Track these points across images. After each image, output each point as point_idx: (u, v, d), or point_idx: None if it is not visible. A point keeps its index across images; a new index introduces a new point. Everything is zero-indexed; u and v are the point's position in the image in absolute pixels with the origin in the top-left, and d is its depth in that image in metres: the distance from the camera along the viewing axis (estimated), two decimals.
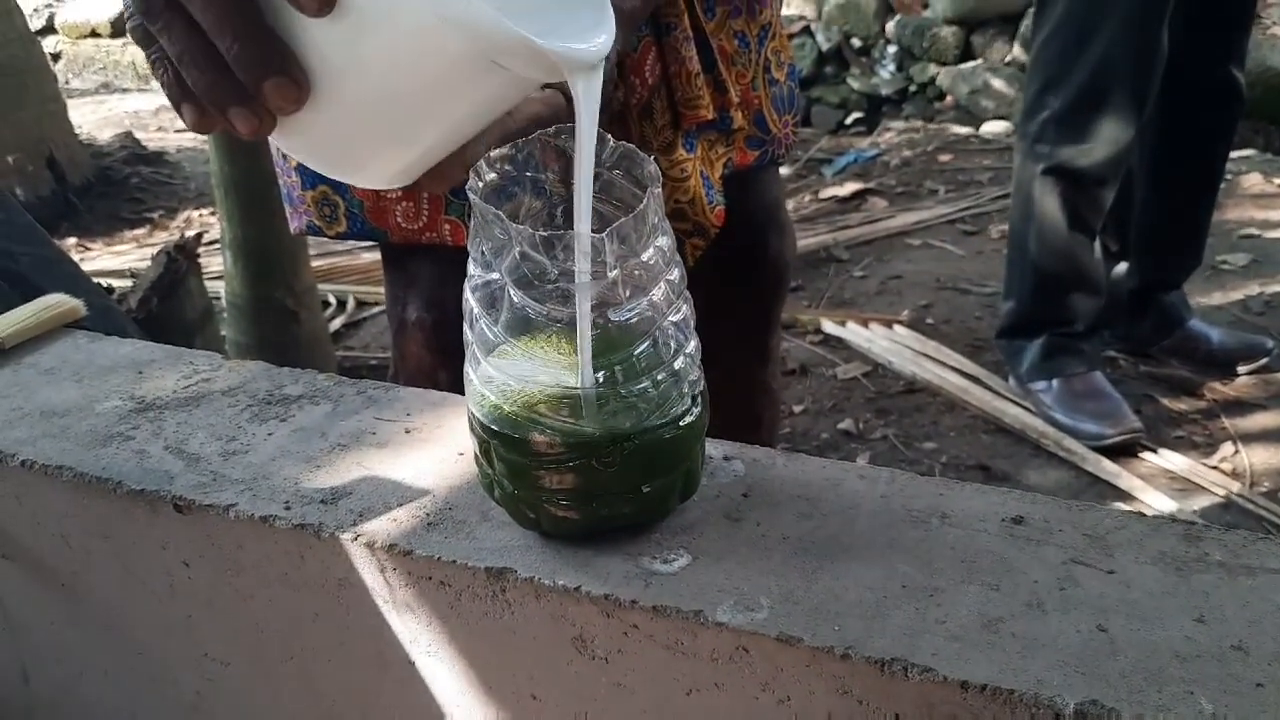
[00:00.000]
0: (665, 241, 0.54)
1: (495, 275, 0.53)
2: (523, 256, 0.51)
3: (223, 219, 2.27)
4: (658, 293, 0.54)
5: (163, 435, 0.70)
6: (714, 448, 0.65)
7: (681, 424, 0.56)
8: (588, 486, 0.56)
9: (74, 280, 1.16)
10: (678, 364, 0.56)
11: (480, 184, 0.55)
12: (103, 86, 5.82)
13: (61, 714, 0.77)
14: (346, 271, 2.91)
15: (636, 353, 0.54)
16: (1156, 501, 1.81)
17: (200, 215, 3.55)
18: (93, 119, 4.87)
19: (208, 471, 0.66)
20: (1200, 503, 1.81)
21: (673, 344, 0.55)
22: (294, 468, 0.66)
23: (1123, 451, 1.96)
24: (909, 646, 0.50)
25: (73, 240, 3.41)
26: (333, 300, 2.74)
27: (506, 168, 0.57)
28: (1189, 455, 1.95)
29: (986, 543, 0.57)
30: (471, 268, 0.55)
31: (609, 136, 0.57)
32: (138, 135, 4.36)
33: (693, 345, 0.57)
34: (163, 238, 3.41)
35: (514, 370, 0.55)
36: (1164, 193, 2.15)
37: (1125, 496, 1.84)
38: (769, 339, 1.23)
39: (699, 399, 0.58)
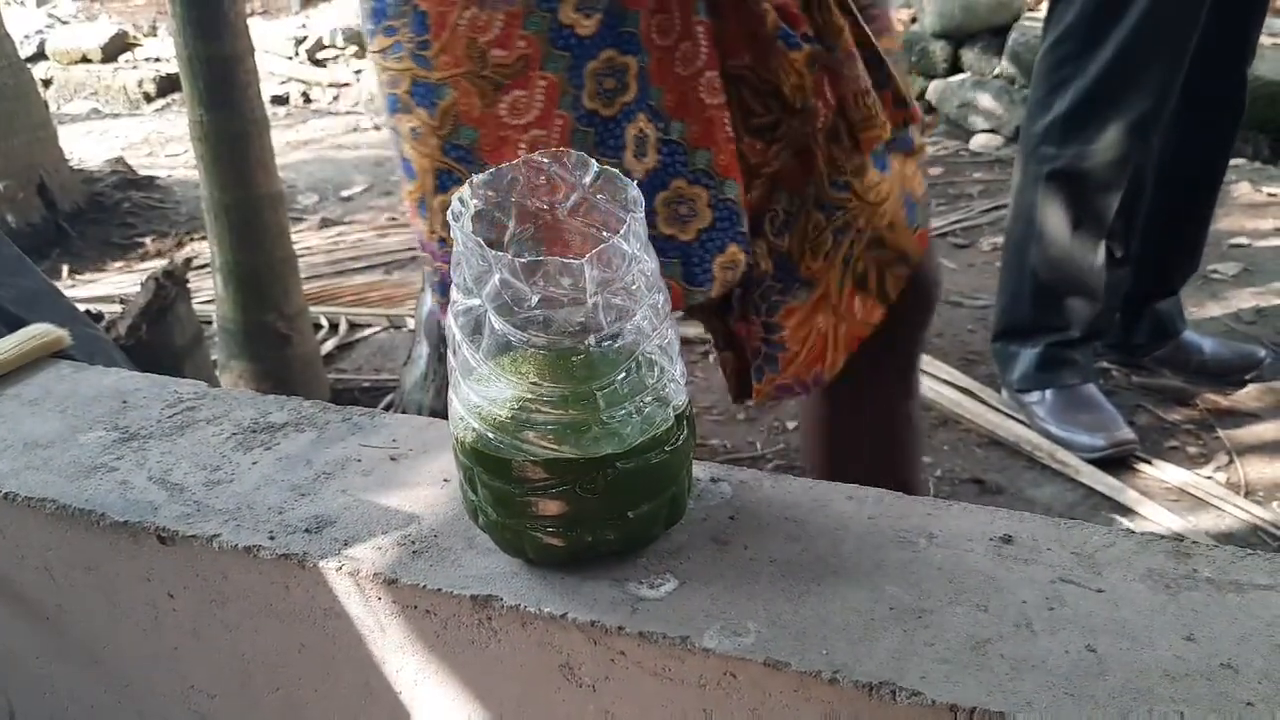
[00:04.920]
0: (649, 266, 0.54)
1: (476, 301, 0.53)
2: (503, 283, 0.51)
3: (213, 244, 2.27)
4: (641, 318, 0.54)
5: (146, 466, 0.70)
6: (701, 469, 0.65)
7: (667, 448, 0.56)
8: (572, 513, 0.55)
9: (60, 312, 1.15)
10: (663, 388, 0.56)
11: (463, 210, 0.55)
12: (94, 112, 5.82)
13: None
14: (338, 294, 2.90)
15: (619, 378, 0.53)
16: (1158, 516, 1.80)
17: (193, 240, 3.55)
18: (84, 144, 4.87)
19: (191, 502, 0.66)
20: (1203, 517, 1.81)
21: (657, 369, 0.55)
22: (278, 496, 0.66)
23: (1117, 464, 1.95)
24: (897, 669, 0.49)
25: (65, 267, 3.41)
26: (324, 323, 2.73)
27: (490, 193, 0.57)
28: (1183, 466, 1.94)
29: (974, 563, 0.56)
30: (454, 293, 0.55)
31: (592, 160, 0.57)
32: (129, 160, 4.36)
33: (678, 369, 0.57)
34: (154, 264, 3.40)
35: (495, 395, 0.54)
36: (1171, 193, 2.14)
37: (1127, 511, 1.84)
38: (915, 368, 1.17)
39: (685, 423, 0.58)
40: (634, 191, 0.55)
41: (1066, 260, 2.03)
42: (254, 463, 0.70)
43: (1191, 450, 2.01)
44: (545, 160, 0.58)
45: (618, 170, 0.56)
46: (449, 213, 0.54)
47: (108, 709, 0.72)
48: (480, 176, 0.57)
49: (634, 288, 0.53)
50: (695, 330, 1.99)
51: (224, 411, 0.76)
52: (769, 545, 0.59)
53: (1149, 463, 1.97)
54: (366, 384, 2.46)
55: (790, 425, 2.15)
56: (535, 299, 0.51)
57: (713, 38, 0.86)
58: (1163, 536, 0.58)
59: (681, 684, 0.53)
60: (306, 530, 0.62)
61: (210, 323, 2.40)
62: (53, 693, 0.73)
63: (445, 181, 0.86)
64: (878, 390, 1.12)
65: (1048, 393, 2.08)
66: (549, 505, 0.55)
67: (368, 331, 2.74)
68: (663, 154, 0.87)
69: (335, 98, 5.80)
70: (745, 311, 0.95)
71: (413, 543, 0.61)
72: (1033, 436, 2.06)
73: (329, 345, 2.63)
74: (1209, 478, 1.93)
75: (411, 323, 2.65)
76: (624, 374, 0.54)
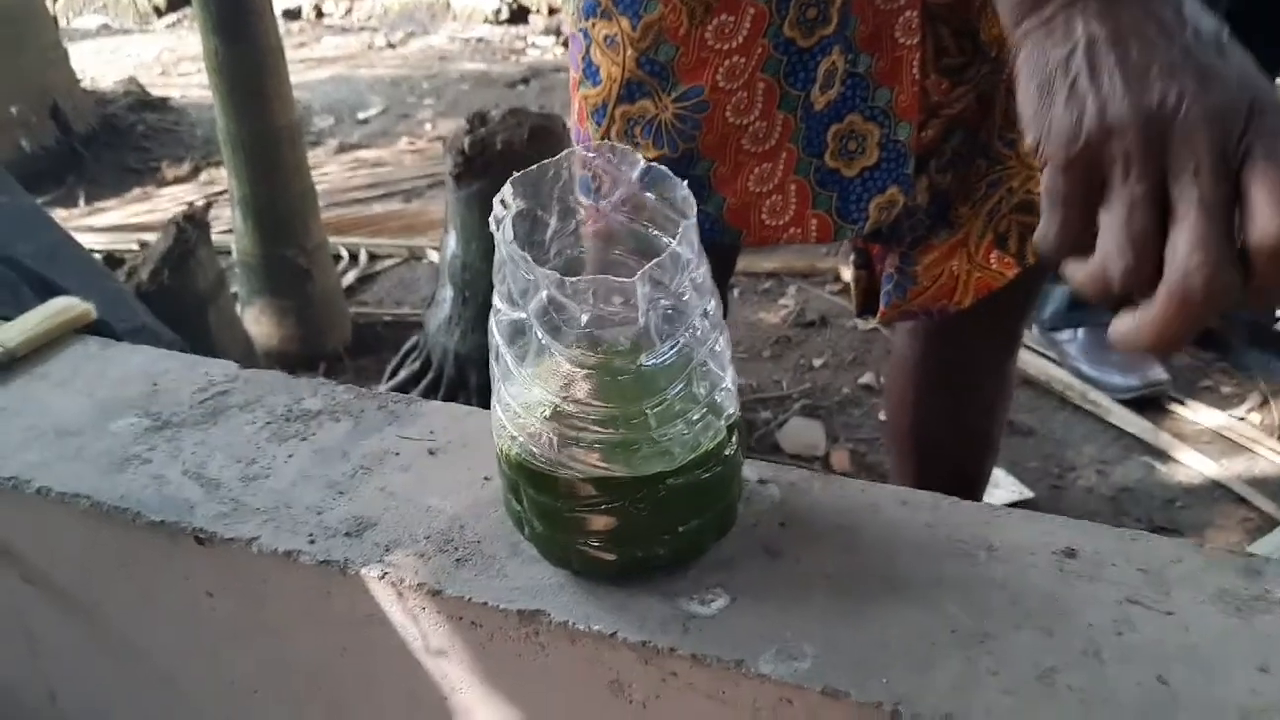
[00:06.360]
0: (700, 274, 0.51)
1: (521, 315, 0.51)
2: (550, 300, 0.49)
3: (231, 176, 2.24)
4: (694, 328, 0.51)
5: (180, 458, 0.68)
6: (749, 469, 0.62)
7: (719, 461, 0.54)
8: (621, 528, 0.53)
9: (81, 266, 1.13)
10: (715, 398, 0.53)
11: (505, 213, 0.52)
12: (103, 27, 5.71)
13: None
14: (357, 224, 2.87)
15: (671, 395, 0.51)
16: (1192, 460, 1.78)
17: (210, 167, 3.50)
18: (95, 64, 4.79)
19: (228, 499, 0.64)
20: (1237, 461, 1.79)
21: (710, 380, 0.53)
22: (316, 494, 0.64)
23: (1149, 404, 1.93)
24: (961, 702, 0.48)
25: (81, 194, 3.38)
26: (344, 254, 2.71)
27: (532, 189, 0.54)
28: (1216, 408, 1.92)
29: (1037, 579, 0.54)
30: (497, 301, 0.53)
31: (639, 155, 0.54)
32: (141, 81, 4.29)
33: (729, 377, 0.54)
34: (172, 190, 3.37)
35: (540, 411, 0.52)
36: None
37: (1159, 454, 1.82)
38: (1021, 324, 1.17)
39: (734, 430, 0.55)
40: (684, 191, 0.52)
41: None
42: (290, 455, 0.68)
43: (1225, 390, 1.98)
44: (591, 154, 0.54)
45: (667, 169, 0.53)
46: (490, 219, 0.52)
47: (148, 700, 0.72)
48: (521, 174, 0.54)
49: (686, 297, 0.51)
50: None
51: (256, 397, 0.74)
52: (822, 557, 0.57)
53: (1181, 403, 1.94)
54: (388, 318, 2.44)
55: (817, 363, 2.13)
56: (585, 318, 0.48)
57: None
58: (1231, 552, 0.56)
59: (735, 707, 0.52)
60: (347, 533, 0.61)
61: (229, 254, 2.38)
62: (94, 682, 0.73)
63: (634, 93, 0.85)
64: (985, 338, 1.12)
65: (1080, 331, 2.05)
66: (597, 521, 0.53)
67: (388, 263, 2.71)
68: (846, 86, 0.86)
69: (348, 10, 5.68)
70: (888, 239, 0.96)
71: (456, 549, 0.59)
72: (1064, 376, 2.03)
73: (349, 278, 2.61)
74: (1242, 419, 1.90)
75: (433, 255, 2.62)
76: (676, 390, 0.51)
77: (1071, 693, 0.48)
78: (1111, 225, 0.46)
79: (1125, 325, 0.47)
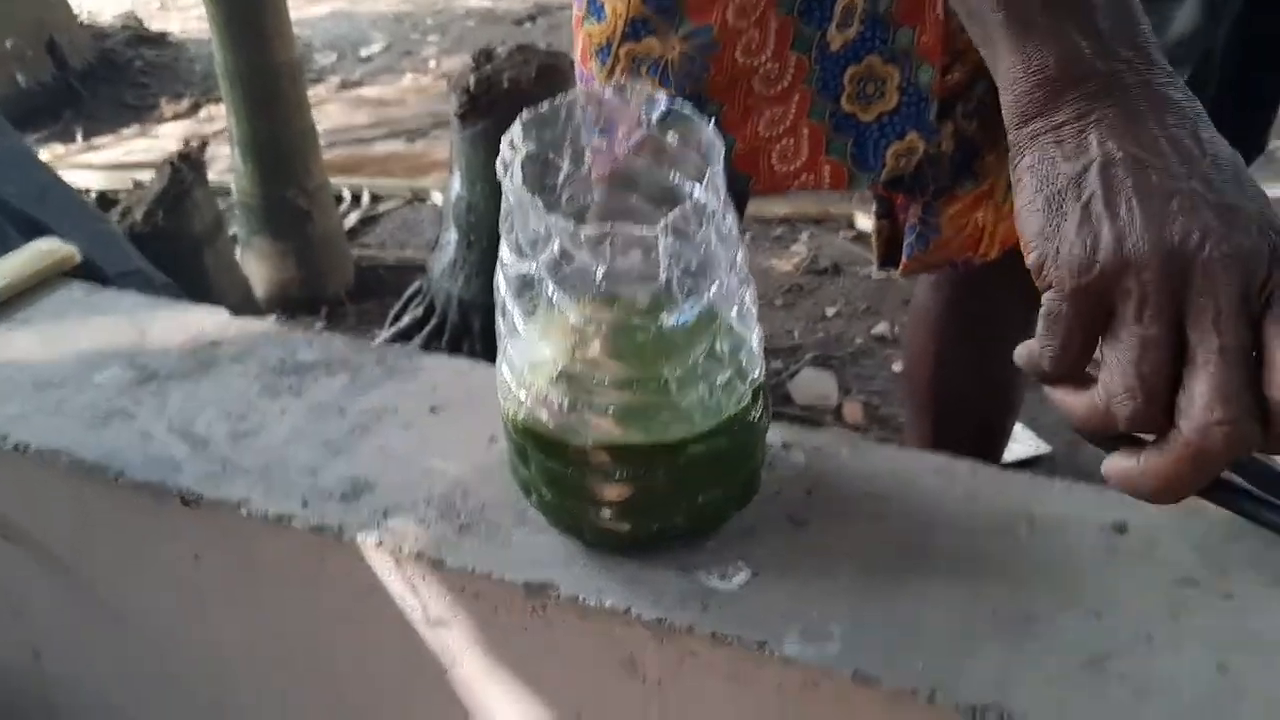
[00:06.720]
0: (726, 224, 0.47)
1: (529, 267, 0.46)
2: (562, 252, 0.44)
3: (230, 114, 2.17)
4: (719, 285, 0.47)
5: (167, 413, 0.64)
6: (772, 433, 0.58)
7: (742, 428, 0.50)
8: (637, 498, 0.50)
9: (70, 207, 1.09)
10: (740, 360, 0.49)
11: (513, 156, 0.47)
12: None
13: (78, 692, 0.73)
14: (359, 164, 2.81)
15: (693, 356, 0.47)
16: None
17: (209, 104, 3.43)
18: None
19: (217, 458, 0.60)
20: None
21: (734, 340, 0.49)
22: (310, 453, 0.61)
23: None
24: (1003, 689, 0.44)
25: (78, 130, 3.31)
26: (346, 194, 2.65)
27: (543, 130, 0.50)
28: None
29: (1084, 557, 0.51)
30: (504, 252, 0.48)
31: (660, 94, 0.49)
32: (140, 15, 4.19)
33: (755, 336, 0.50)
34: (170, 127, 3.30)
35: (549, 370, 0.48)
36: (1236, 75, 2.02)
37: None
38: None
39: (759, 394, 0.51)
40: (709, 133, 0.48)
41: None
42: (282, 411, 0.64)
43: None
44: (606, 92, 0.50)
45: (691, 110, 0.48)
46: (498, 162, 0.47)
47: (136, 662, 0.69)
48: (530, 113, 0.49)
49: (711, 249, 0.46)
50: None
51: (248, 348, 0.70)
52: (851, 528, 0.53)
53: None
54: (391, 262, 2.39)
55: (830, 312, 2.08)
56: (600, 272, 0.44)
57: None
58: None
59: (757, 690, 0.48)
60: (342, 497, 0.57)
61: (229, 194, 2.32)
62: (79, 642, 0.70)
63: (639, 30, 0.81)
64: (1011, 290, 1.07)
65: None
66: (610, 490, 0.49)
67: (391, 204, 2.65)
68: (865, 25, 0.81)
69: None
70: (911, 188, 0.91)
71: (458, 515, 0.55)
72: None
73: (351, 220, 2.56)
74: None
75: (437, 197, 2.57)
76: (699, 351, 0.47)
77: (1124, 682, 0.45)
78: (1120, 363, 0.43)
79: (1125, 466, 0.44)
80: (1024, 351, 0.47)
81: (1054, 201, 0.45)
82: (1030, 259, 0.46)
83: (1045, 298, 0.45)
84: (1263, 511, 0.49)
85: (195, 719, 0.70)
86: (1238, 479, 0.48)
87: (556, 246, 0.44)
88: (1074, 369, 0.45)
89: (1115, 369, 0.43)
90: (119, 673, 0.70)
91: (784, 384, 1.90)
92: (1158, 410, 0.42)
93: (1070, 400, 0.45)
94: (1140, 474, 0.43)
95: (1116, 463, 0.45)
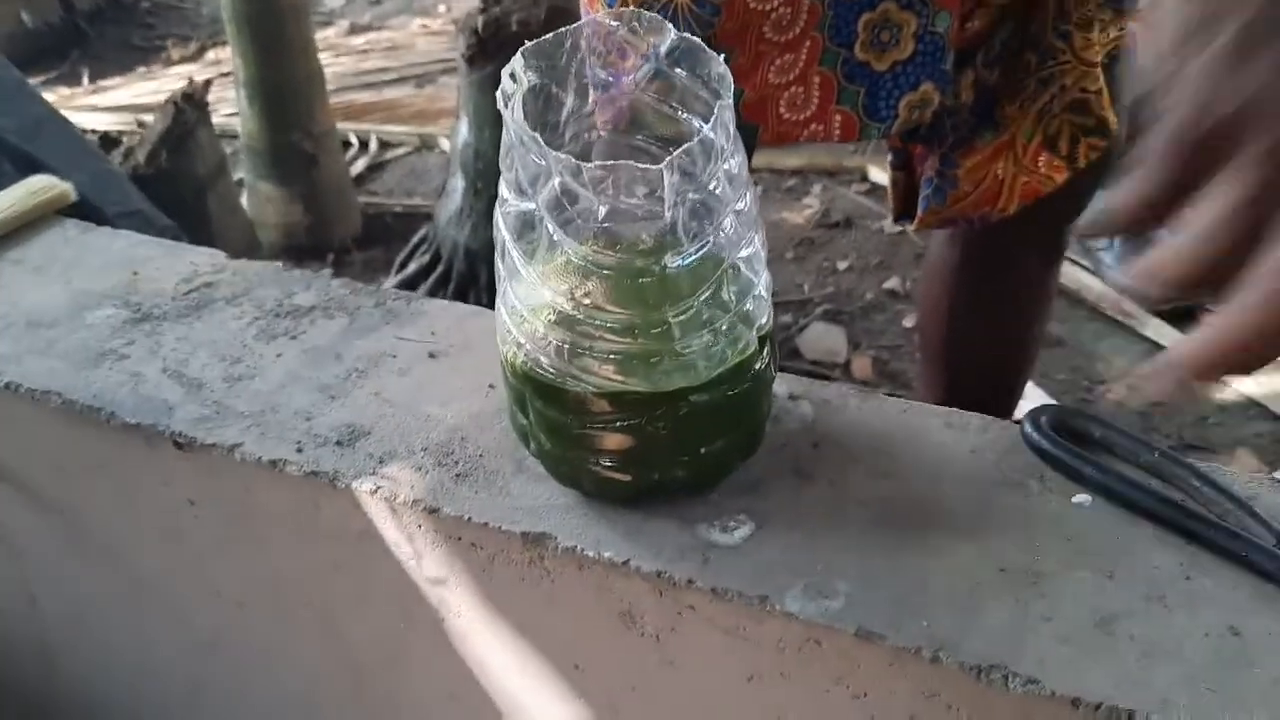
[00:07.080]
0: (735, 164, 0.45)
1: (530, 206, 0.45)
2: (563, 189, 0.42)
3: (236, 57, 2.14)
4: (725, 228, 0.45)
5: (160, 354, 0.63)
6: (778, 385, 0.57)
7: (748, 377, 0.48)
8: (638, 448, 0.48)
9: (67, 142, 1.07)
10: (746, 306, 0.47)
11: (515, 89, 0.45)
12: None
13: (75, 636, 0.73)
14: (367, 109, 2.77)
15: (697, 301, 0.45)
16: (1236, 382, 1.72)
17: (216, 46, 3.39)
18: None
19: (210, 402, 0.59)
20: (1277, 378, 1.72)
21: (740, 286, 0.47)
22: (306, 398, 0.59)
23: (1184, 316, 1.86)
24: (1011, 649, 0.43)
25: (85, 71, 3.28)
26: (354, 140, 2.62)
27: (546, 63, 0.48)
28: None
29: (1096, 515, 0.49)
30: (504, 190, 0.47)
31: (669, 25, 0.47)
32: None
33: (763, 282, 0.48)
34: (177, 70, 3.26)
35: (549, 315, 0.46)
36: None
37: None
38: (1067, 233, 1.07)
39: (766, 342, 0.50)
40: (720, 67, 0.46)
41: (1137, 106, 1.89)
42: (278, 355, 0.63)
43: None
44: (613, 23, 0.48)
45: (700, 42, 0.46)
46: (498, 93, 0.45)
47: (132, 608, 0.68)
48: (534, 44, 0.47)
49: (718, 190, 0.44)
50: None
51: (244, 289, 0.68)
52: (857, 482, 0.52)
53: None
54: (399, 209, 2.37)
55: (841, 266, 2.06)
56: (602, 211, 0.42)
57: None
58: None
59: (757, 644, 0.47)
60: (338, 442, 0.56)
61: (236, 137, 2.30)
62: (75, 587, 0.70)
63: None
64: (1029, 246, 1.05)
65: (1116, 240, 1.97)
66: (611, 439, 0.48)
67: (399, 151, 2.62)
68: None
69: None
70: (928, 139, 0.89)
71: (455, 463, 0.54)
72: (1098, 285, 1.96)
73: (359, 166, 2.53)
74: None
75: (444, 143, 2.53)
76: (703, 295, 0.45)
77: (1134, 643, 0.43)
78: (1224, 210, 0.38)
79: (1192, 343, 0.39)
80: (1108, 198, 0.43)
81: (1205, 26, 0.41)
82: (1161, 68, 0.41)
83: (1156, 128, 0.41)
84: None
85: (191, 662, 0.70)
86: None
87: (558, 184, 0.42)
88: (1153, 212, 0.41)
89: (1216, 214, 0.39)
90: (115, 616, 0.70)
91: (793, 338, 1.88)
92: (1243, 259, 0.37)
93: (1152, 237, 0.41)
94: (1212, 332, 0.38)
95: (1182, 346, 0.40)
